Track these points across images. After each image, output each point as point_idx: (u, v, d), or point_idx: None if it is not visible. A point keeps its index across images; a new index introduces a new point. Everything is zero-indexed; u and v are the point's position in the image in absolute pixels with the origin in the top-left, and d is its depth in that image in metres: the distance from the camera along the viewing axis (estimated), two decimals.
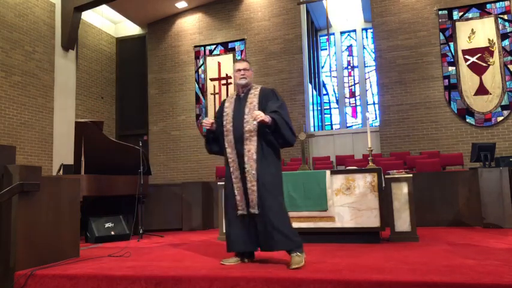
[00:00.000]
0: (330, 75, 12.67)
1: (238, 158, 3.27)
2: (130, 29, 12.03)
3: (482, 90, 8.98)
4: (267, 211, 3.12)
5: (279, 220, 3.12)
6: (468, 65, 9.13)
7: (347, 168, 5.16)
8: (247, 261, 3.29)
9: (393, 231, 4.54)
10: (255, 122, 3.14)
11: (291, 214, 4.52)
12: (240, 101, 3.37)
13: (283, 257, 3.45)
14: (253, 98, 3.32)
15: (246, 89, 3.40)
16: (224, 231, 4.90)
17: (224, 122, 3.38)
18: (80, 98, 10.45)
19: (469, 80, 9.09)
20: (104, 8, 11.07)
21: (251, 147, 3.21)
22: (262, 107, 3.25)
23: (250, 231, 3.23)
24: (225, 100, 3.54)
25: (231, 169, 3.31)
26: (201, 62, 11.24)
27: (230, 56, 10.98)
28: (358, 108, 12.20)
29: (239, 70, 3.38)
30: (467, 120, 9.04)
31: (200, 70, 11.23)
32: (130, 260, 3.58)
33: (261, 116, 3.07)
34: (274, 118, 3.13)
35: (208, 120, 3.39)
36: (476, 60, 9.09)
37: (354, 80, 12.38)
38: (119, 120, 11.89)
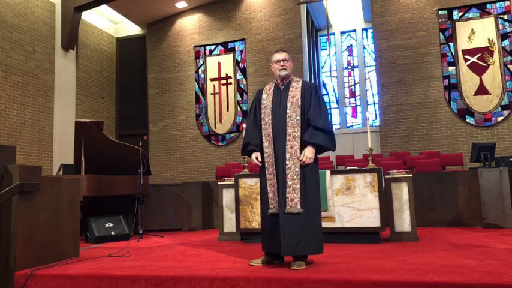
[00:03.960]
0: (330, 75, 12.67)
1: (275, 153, 3.15)
2: (130, 29, 12.03)
3: (482, 90, 8.98)
4: (309, 211, 3.02)
5: (318, 222, 3.07)
6: (468, 65, 9.13)
7: (347, 168, 5.16)
8: (277, 263, 3.13)
9: (393, 231, 4.54)
10: (301, 160, 3.09)
11: None
12: (281, 94, 3.22)
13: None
14: (295, 92, 3.18)
15: (287, 81, 3.26)
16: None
17: (262, 115, 3.24)
18: (80, 98, 10.45)
19: (469, 80, 9.09)
20: (104, 8, 11.07)
21: (294, 143, 3.10)
22: (304, 102, 3.15)
23: (280, 232, 3.03)
24: (261, 91, 3.37)
25: (266, 164, 3.17)
26: (201, 62, 11.23)
27: (230, 56, 10.98)
28: (358, 108, 12.19)
29: (279, 61, 3.24)
30: (467, 120, 9.04)
31: (200, 70, 11.22)
32: (131, 260, 3.58)
33: (307, 159, 3.06)
34: (319, 144, 3.11)
35: (256, 161, 3.25)
36: (476, 60, 9.09)
37: (354, 80, 12.38)
38: (119, 120, 11.89)
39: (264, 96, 3.30)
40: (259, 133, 3.27)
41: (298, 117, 3.10)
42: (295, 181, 3.05)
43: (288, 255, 3.08)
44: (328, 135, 3.13)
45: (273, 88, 3.31)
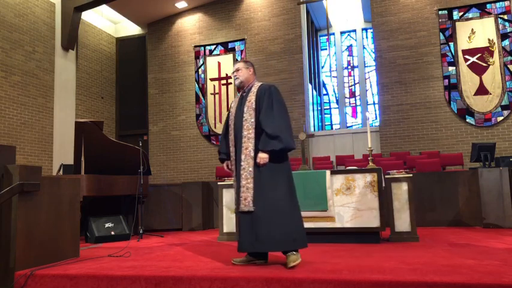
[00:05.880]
0: (330, 75, 12.67)
1: (236, 156, 3.30)
2: (130, 29, 12.03)
3: (482, 90, 8.98)
4: (264, 209, 3.07)
5: (277, 219, 3.06)
6: (468, 65, 9.13)
7: (347, 168, 5.16)
8: (259, 263, 3.18)
9: (393, 231, 4.54)
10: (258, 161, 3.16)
11: None
12: (242, 100, 3.39)
13: (283, 257, 3.45)
14: (251, 96, 3.33)
15: (247, 88, 3.42)
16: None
17: (229, 122, 3.44)
18: (80, 98, 10.45)
19: (469, 80, 9.09)
20: (104, 8, 11.07)
21: (249, 144, 3.22)
22: (258, 104, 3.26)
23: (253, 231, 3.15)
24: (233, 100, 3.59)
25: (233, 167, 3.37)
26: (201, 62, 11.24)
27: (230, 56, 10.99)
28: (358, 108, 12.20)
29: (233, 72, 3.48)
30: (467, 120, 9.04)
31: (200, 70, 11.23)
32: (131, 260, 3.58)
33: (261, 160, 3.11)
34: (271, 150, 3.11)
35: (226, 169, 3.51)
36: (476, 60, 9.09)
37: (354, 80, 12.38)
38: (119, 120, 11.89)
39: (232, 104, 3.52)
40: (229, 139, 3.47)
41: (252, 120, 3.23)
42: (249, 180, 3.17)
43: (243, 252, 3.19)
44: (278, 139, 3.12)
45: (238, 96, 3.51)
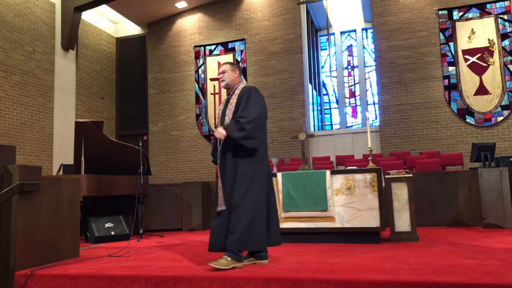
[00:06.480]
0: (330, 75, 12.67)
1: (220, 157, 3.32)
2: (130, 29, 12.03)
3: (482, 90, 8.98)
4: (237, 209, 3.08)
5: (236, 218, 3.06)
6: (468, 65, 9.13)
7: (347, 168, 5.16)
8: (248, 262, 3.20)
9: (393, 231, 4.53)
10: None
11: (291, 214, 4.56)
12: (227, 102, 3.42)
13: (283, 257, 3.45)
14: (234, 98, 3.34)
15: (232, 90, 3.42)
16: None
17: (216, 124, 3.50)
18: (80, 98, 10.45)
19: (469, 80, 9.09)
20: (104, 8, 11.07)
21: (227, 146, 3.25)
22: (237, 108, 3.27)
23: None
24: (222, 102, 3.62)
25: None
26: (201, 62, 11.24)
27: (230, 56, 10.99)
28: (358, 108, 12.20)
29: (219, 74, 3.47)
30: (467, 120, 9.04)
31: (200, 70, 11.23)
32: (131, 260, 3.58)
33: (218, 134, 3.19)
34: (229, 135, 3.16)
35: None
36: (476, 60, 9.09)
37: (354, 80, 12.38)
38: (119, 120, 11.89)
39: (220, 107, 3.53)
40: None
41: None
42: (221, 181, 3.26)
43: (215, 252, 3.16)
44: (242, 131, 3.13)
45: (226, 98, 3.51)
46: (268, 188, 3.30)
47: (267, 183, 3.31)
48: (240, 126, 3.15)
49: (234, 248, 3.01)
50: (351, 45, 12.64)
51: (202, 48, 11.27)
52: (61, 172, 6.78)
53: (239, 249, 3.05)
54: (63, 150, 9.39)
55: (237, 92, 3.36)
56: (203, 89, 11.15)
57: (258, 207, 3.14)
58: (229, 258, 2.97)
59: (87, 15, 10.77)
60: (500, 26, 9.01)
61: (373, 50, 10.84)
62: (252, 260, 3.23)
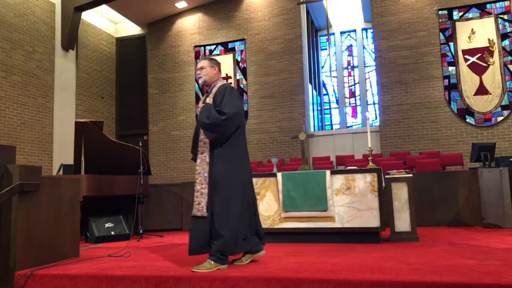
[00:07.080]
0: (330, 75, 12.67)
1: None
2: (130, 29, 12.03)
3: (482, 90, 8.98)
4: (218, 214, 3.01)
5: (221, 223, 3.00)
6: (468, 65, 9.13)
7: (347, 168, 5.16)
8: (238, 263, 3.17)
9: (393, 231, 4.53)
10: None
11: (291, 214, 4.56)
12: (204, 101, 3.30)
13: (283, 257, 3.45)
14: (211, 97, 3.23)
15: (210, 88, 3.31)
16: None
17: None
18: (80, 98, 10.45)
19: (469, 80, 9.09)
20: (104, 8, 11.07)
21: (204, 149, 3.14)
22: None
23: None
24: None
25: None
26: None
27: (230, 56, 10.98)
28: (358, 108, 12.20)
29: (197, 70, 3.33)
30: (467, 120, 9.04)
31: None
32: (131, 260, 3.58)
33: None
34: (198, 119, 3.11)
35: None
36: (476, 60, 9.09)
37: (354, 80, 12.38)
38: (119, 120, 11.89)
39: (201, 104, 3.36)
40: None
41: None
42: (203, 186, 3.10)
43: (194, 255, 3.08)
44: (208, 120, 3.06)
45: (203, 96, 3.39)
46: (248, 186, 3.21)
47: (248, 182, 3.21)
48: (209, 113, 3.06)
49: (220, 254, 2.96)
50: (351, 45, 12.64)
51: (202, 48, 11.27)
52: (61, 172, 6.78)
53: (224, 254, 2.99)
54: (63, 150, 9.39)
55: (214, 89, 3.25)
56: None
57: (239, 209, 3.06)
58: (212, 262, 2.94)
59: (87, 15, 10.77)
60: (500, 26, 9.01)
61: (373, 50, 10.84)
62: (249, 256, 3.20)
